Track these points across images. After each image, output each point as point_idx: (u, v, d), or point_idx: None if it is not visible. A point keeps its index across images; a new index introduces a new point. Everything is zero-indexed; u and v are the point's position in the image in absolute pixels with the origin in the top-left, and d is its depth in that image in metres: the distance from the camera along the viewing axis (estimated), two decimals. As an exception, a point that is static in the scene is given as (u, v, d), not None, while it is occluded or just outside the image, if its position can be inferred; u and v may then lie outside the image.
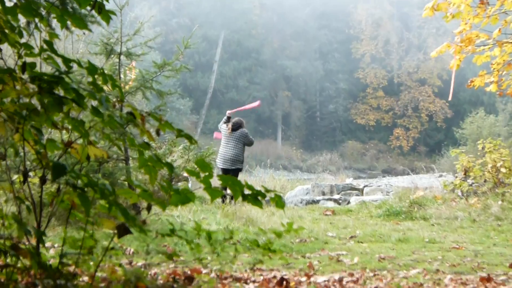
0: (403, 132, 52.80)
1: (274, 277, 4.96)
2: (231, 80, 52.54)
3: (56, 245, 5.86)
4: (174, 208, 8.83)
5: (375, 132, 54.39)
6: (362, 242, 7.63)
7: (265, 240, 3.70)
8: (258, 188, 2.80)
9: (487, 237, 8.12)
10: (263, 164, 25.78)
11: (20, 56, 2.68)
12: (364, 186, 17.48)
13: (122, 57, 7.66)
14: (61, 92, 2.56)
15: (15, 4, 2.71)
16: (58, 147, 2.79)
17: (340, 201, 14.49)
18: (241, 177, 12.36)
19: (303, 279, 4.91)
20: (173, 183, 8.74)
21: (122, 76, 7.69)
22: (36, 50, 2.69)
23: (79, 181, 2.63)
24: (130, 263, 5.16)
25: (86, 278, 3.33)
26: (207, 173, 2.72)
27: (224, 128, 12.39)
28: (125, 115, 2.79)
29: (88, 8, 2.81)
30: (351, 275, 5.20)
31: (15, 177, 2.99)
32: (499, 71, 9.20)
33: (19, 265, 2.74)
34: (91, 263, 3.13)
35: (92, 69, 2.67)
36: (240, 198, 2.78)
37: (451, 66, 9.27)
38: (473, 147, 24.92)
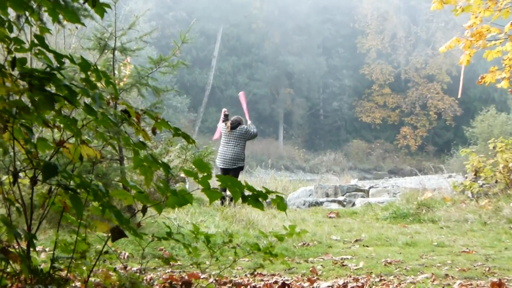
0: (410, 131, 52.78)
1: (276, 282, 4.97)
2: (230, 77, 52.53)
3: (47, 249, 5.87)
4: (171, 210, 8.83)
5: (381, 130, 54.37)
6: (367, 246, 7.63)
7: (266, 243, 3.70)
8: (258, 189, 2.80)
9: (499, 241, 8.12)
10: (264, 164, 25.78)
11: (10, 52, 2.68)
12: (370, 187, 17.47)
13: (116, 52, 7.67)
14: (52, 89, 2.56)
15: (5, -3, 2.71)
16: (50, 146, 2.79)
17: (345, 203, 14.49)
18: (241, 177, 12.33)
19: (306, 284, 4.92)
20: (170, 184, 8.75)
21: (116, 72, 7.70)
22: (27, 45, 2.69)
23: (72, 182, 2.63)
24: (125, 267, 5.16)
25: (78, 284, 3.33)
26: (205, 174, 2.72)
27: (223, 127, 12.37)
28: (120, 113, 2.79)
29: (81, 1, 2.81)
30: (356, 280, 5.20)
31: (4, 177, 2.99)
32: (511, 67, 9.19)
33: (8, 269, 2.74)
34: (84, 267, 3.13)
35: (85, 65, 2.67)
36: (240, 200, 2.78)
37: (461, 61, 9.26)
38: (484, 147, 24.92)
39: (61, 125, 2.74)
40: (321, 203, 14.29)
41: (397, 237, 8.25)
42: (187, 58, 40.42)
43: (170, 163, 9.32)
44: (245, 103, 13.24)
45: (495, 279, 5.14)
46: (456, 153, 33.63)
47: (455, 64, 47.64)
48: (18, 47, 2.70)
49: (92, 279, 3.39)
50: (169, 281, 4.06)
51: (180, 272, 5.43)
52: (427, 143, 52.73)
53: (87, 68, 2.68)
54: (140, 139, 2.91)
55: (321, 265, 6.07)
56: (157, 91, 7.83)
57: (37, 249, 5.77)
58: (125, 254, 5.97)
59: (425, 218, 10.42)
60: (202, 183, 2.71)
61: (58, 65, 2.62)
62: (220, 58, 52.12)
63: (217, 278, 4.71)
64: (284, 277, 5.30)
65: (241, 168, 12.14)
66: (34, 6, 2.76)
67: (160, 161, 2.79)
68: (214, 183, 2.80)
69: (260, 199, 2.79)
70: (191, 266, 5.56)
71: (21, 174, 2.98)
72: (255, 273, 5.31)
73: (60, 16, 2.75)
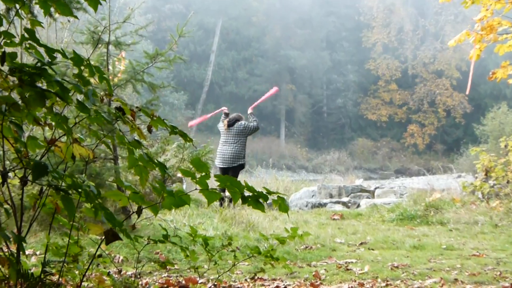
0: (418, 129, 52.78)
1: (277, 287, 4.97)
2: (230, 72, 52.52)
3: (38, 252, 5.87)
4: (167, 212, 8.83)
5: (388, 128, 54.37)
6: (373, 249, 7.63)
7: (267, 246, 3.71)
8: (259, 189, 2.80)
9: (510, 244, 8.11)
10: (264, 164, 25.82)
11: (-1, 46, 2.68)
12: (376, 188, 17.47)
13: (110, 46, 7.67)
14: (44, 85, 2.56)
15: (-7, -12, 2.71)
16: (41, 145, 2.80)
17: (349, 204, 14.49)
18: (241, 177, 12.30)
19: (309, 289, 4.92)
20: (166, 184, 8.75)
21: (110, 67, 7.70)
22: (17, 39, 2.69)
23: (63, 183, 2.63)
24: (119, 272, 5.16)
25: (71, 289, 3.33)
26: (203, 174, 2.72)
27: (220, 126, 12.33)
28: (114, 111, 2.79)
29: (73, -7, 2.81)
30: (361, 285, 5.21)
31: (-7, 178, 2.99)
32: (524, 62, 9.17)
33: (-3, 274, 2.74)
34: (77, 272, 3.14)
35: (77, 60, 2.67)
36: (239, 201, 2.78)
37: (471, 56, 9.25)
38: (495, 145, 24.91)
39: (53, 123, 2.74)
40: (325, 205, 14.29)
41: (404, 240, 8.25)
42: (184, 53, 40.48)
43: (166, 162, 9.32)
44: (268, 95, 13.43)
45: (506, 284, 5.14)
46: (465, 152, 33.63)
47: (465, 59, 47.61)
48: (8, 41, 2.70)
49: (85, 283, 3.39)
50: (165, 286, 4.07)
51: (177, 276, 5.43)
52: (435, 141, 52.72)
53: (79, 63, 2.68)
54: (135, 138, 2.92)
55: (325, 269, 6.07)
56: (153, 87, 7.84)
57: (27, 252, 5.78)
58: (119, 257, 5.97)
59: (434, 220, 10.41)
60: (200, 183, 2.72)
61: (50, 60, 2.62)
62: (219, 53, 52.12)
63: (215, 283, 4.72)
64: (285, 282, 5.30)
65: (242, 166, 12.04)
66: (25, -2, 2.76)
67: (156, 161, 2.79)
68: (213, 183, 2.80)
69: (261, 200, 2.80)
70: (188, 271, 5.57)
71: (10, 174, 2.98)
72: (256, 277, 5.31)
73: (52, 9, 2.75)
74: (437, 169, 27.75)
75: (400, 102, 54.24)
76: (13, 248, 2.76)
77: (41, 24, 2.97)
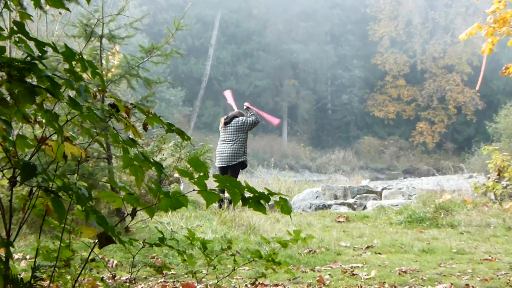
0: (427, 127, 52.77)
1: (279, 293, 4.97)
2: (229, 67, 52.53)
3: (28, 257, 5.87)
4: (163, 214, 8.84)
5: (395, 126, 54.39)
6: (380, 253, 7.63)
7: (268, 250, 3.70)
8: (260, 190, 2.80)
9: (524, 247, 8.12)
10: (266, 164, 25.83)
11: (-14, 39, 2.68)
12: (383, 189, 17.47)
13: (104, 40, 7.67)
14: (33, 80, 2.56)
15: (-19, -21, 2.71)
16: (30, 144, 2.79)
17: (355, 206, 14.49)
18: (242, 178, 12.27)
19: (312, 295, 4.92)
20: (162, 185, 8.75)
21: (104, 62, 7.70)
22: (6, 33, 2.68)
23: (55, 184, 2.63)
24: (113, 277, 5.17)
25: (62, 295, 3.33)
26: (202, 174, 2.72)
27: (221, 126, 12.29)
28: (107, 107, 2.79)
29: (65, -17, 2.80)
30: (368, 291, 5.20)
31: (-19, 178, 2.99)
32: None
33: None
34: (68, 277, 3.14)
35: (69, 54, 2.66)
36: (240, 203, 2.78)
37: (483, 50, 9.25)
38: (508, 144, 24.95)
39: (43, 120, 2.74)
40: (329, 206, 14.29)
41: (412, 243, 8.25)
42: (181, 47, 40.34)
43: (163, 162, 9.33)
44: (268, 118, 13.43)
45: (520, 290, 5.14)
46: (477, 151, 33.63)
47: (476, 53, 47.64)
48: (-4, 34, 2.70)
49: (77, 289, 3.39)
50: (162, 291, 4.07)
51: (174, 282, 5.43)
52: (445, 140, 52.73)
53: (71, 58, 2.67)
54: (130, 136, 2.91)
55: (329, 274, 6.08)
56: (148, 83, 7.84)
57: (17, 256, 5.78)
58: (113, 262, 5.98)
59: (444, 223, 10.41)
60: (198, 184, 2.71)
61: (40, 54, 2.62)
62: (218, 47, 52.13)
63: (214, 289, 4.72)
64: (288, 288, 5.30)
65: (242, 164, 11.94)
66: (13, -10, 2.75)
67: (152, 160, 2.79)
68: (212, 184, 2.80)
69: (262, 202, 2.79)
70: (186, 275, 5.57)
71: (-1, 174, 2.98)
72: (257, 283, 5.32)
73: (42, 1, 2.75)
74: (447, 169, 27.70)
75: (408, 99, 54.23)
76: (2, 252, 2.76)
77: (31, 16, 2.97)
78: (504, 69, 9.35)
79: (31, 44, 2.67)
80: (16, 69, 2.48)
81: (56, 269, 3.02)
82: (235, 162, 11.83)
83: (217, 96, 49.33)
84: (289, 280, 5.68)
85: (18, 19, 2.79)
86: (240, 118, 12.10)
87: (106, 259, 5.99)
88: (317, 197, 16.12)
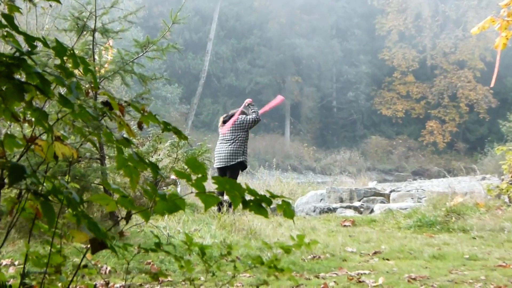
0: (438, 126, 52.77)
1: (281, 301, 4.97)
2: (229, 63, 52.57)
3: (16, 263, 5.87)
4: (160, 218, 8.84)
5: (404, 125, 54.39)
6: (388, 259, 7.63)
7: (270, 256, 3.70)
8: (262, 193, 2.80)
9: (540, 253, 8.11)
10: (268, 165, 25.77)
11: (-28, 34, 2.68)
12: (391, 191, 17.48)
13: (96, 34, 7.67)
14: (22, 77, 2.56)
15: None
16: (19, 144, 2.79)
17: (362, 209, 14.50)
18: (242, 179, 12.26)
19: (317, 303, 4.92)
20: (158, 187, 8.75)
21: (96, 57, 7.70)
22: (-7, 26, 2.68)
23: (45, 186, 2.62)
24: (107, 284, 5.17)
25: (53, 303, 3.33)
26: (200, 175, 2.71)
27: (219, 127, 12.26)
28: (100, 105, 2.79)
29: (55, -26, 2.80)
30: (375, 299, 5.20)
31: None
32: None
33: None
34: (59, 284, 3.13)
35: (60, 49, 2.66)
36: (240, 206, 2.77)
37: (496, 45, 9.24)
38: (523, 144, 24.91)
39: (32, 119, 2.73)
40: (334, 210, 14.30)
41: (422, 249, 8.25)
42: (178, 41, 40.45)
43: (158, 162, 9.33)
44: (272, 105, 13.31)
45: (536, 298, 5.14)
46: (490, 152, 33.65)
47: (489, 48, 47.62)
48: (-17, 28, 2.70)
49: (68, 297, 3.39)
50: (157, 299, 4.07)
51: (170, 289, 5.43)
52: (457, 139, 52.71)
53: (62, 53, 2.67)
54: (124, 135, 2.91)
55: (334, 282, 6.07)
56: (143, 80, 7.84)
57: (5, 262, 5.78)
58: (106, 268, 5.97)
59: (455, 227, 10.41)
60: (196, 186, 2.71)
61: (29, 49, 2.62)
62: (217, 41, 52.14)
63: (213, 297, 4.72)
64: (291, 295, 5.30)
65: (241, 164, 11.87)
66: (1, -19, 2.76)
67: (147, 161, 2.78)
68: (210, 186, 2.80)
69: (264, 205, 2.79)
70: (183, 283, 5.57)
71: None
72: (258, 290, 5.32)
73: (31, -8, 2.75)
74: (459, 170, 27.71)
75: (417, 96, 54.23)
76: (-11, 257, 2.76)
77: (20, 9, 2.97)
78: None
79: (20, 38, 2.67)
80: (4, 65, 2.48)
81: (46, 275, 3.01)
82: (234, 162, 11.76)
83: (215, 93, 49.38)
84: (293, 287, 5.68)
85: (6, 12, 2.78)
86: (240, 116, 12.07)
87: (99, 265, 5.98)
88: (321, 200, 16.12)
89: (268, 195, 2.78)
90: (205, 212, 10.02)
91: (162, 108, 41.65)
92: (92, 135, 2.94)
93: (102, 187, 7.02)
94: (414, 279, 6.21)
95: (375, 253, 8.08)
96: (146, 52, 7.87)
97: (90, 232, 2.59)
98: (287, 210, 2.82)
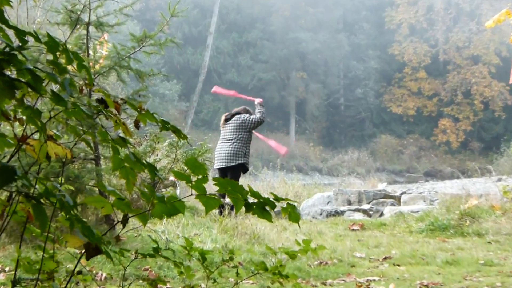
0: (451, 124, 52.72)
1: (286, 309, 4.96)
2: (230, 58, 52.56)
3: (7, 269, 5.87)
4: (158, 222, 8.84)
5: (415, 124, 54.36)
6: (399, 265, 7.63)
7: (274, 262, 3.70)
8: (265, 195, 2.80)
9: (560, 258, 8.10)
10: (271, 165, 25.76)
11: (-40, 27, 2.68)
12: (402, 193, 17.47)
13: (91, 28, 7.67)
14: (13, 73, 2.56)
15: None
16: (10, 143, 2.79)
17: (371, 212, 14.49)
18: (245, 181, 12.24)
19: (324, 312, 4.92)
20: (156, 189, 8.76)
21: (91, 52, 7.70)
22: (-19, 20, 2.68)
23: (37, 188, 2.62)
24: (102, 291, 5.17)
25: (45, 311, 3.34)
26: (200, 176, 2.71)
27: (222, 125, 12.18)
28: (95, 103, 2.79)
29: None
30: (385, 307, 5.20)
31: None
32: None
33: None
34: (52, 291, 3.13)
35: (52, 44, 2.66)
36: (242, 209, 2.77)
37: (513, 39, 9.25)
38: (541, 143, 24.89)
39: (24, 117, 2.74)
40: (342, 213, 14.29)
41: (435, 254, 8.25)
42: (177, 35, 40.46)
43: (156, 163, 9.33)
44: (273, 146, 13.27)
45: (555, 306, 5.13)
46: (506, 151, 33.66)
47: (505, 42, 47.54)
48: (-29, 22, 2.70)
49: (61, 305, 3.39)
50: (156, 308, 4.06)
51: (169, 297, 5.43)
52: (471, 138, 52.66)
53: (55, 48, 2.67)
54: (120, 135, 2.91)
55: (342, 289, 6.07)
56: (140, 76, 7.84)
57: (-6, 269, 5.78)
58: (102, 275, 5.98)
59: (469, 231, 10.40)
60: (196, 188, 2.71)
61: (20, 44, 2.62)
62: (218, 35, 52.13)
63: (214, 304, 4.72)
64: (296, 303, 5.30)
65: (243, 167, 11.78)
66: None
67: (144, 161, 2.78)
68: (211, 188, 2.79)
69: (267, 208, 2.79)
70: (182, 290, 5.57)
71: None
72: (261, 298, 5.32)
73: (22, -16, 2.75)
74: (473, 171, 27.67)
75: (429, 93, 54.18)
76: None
77: (10, 2, 2.97)
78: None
79: (10, 33, 2.67)
80: (-6, 60, 2.48)
81: (38, 282, 3.02)
82: (234, 164, 11.65)
83: (216, 90, 49.27)
84: (298, 295, 5.68)
85: (-5, 4, 2.78)
86: (243, 115, 12.03)
87: (94, 271, 5.99)
88: (328, 202, 16.13)
89: (272, 197, 2.78)
90: (206, 216, 10.02)
91: (160, 106, 41.68)
92: (86, 134, 2.94)
93: (97, 189, 7.02)
94: (427, 285, 6.21)
95: (385, 258, 8.08)
96: (143, 46, 7.87)
97: (84, 236, 2.59)
98: (292, 214, 2.82)
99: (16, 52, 2.53)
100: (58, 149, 2.81)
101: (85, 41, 7.66)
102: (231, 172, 11.60)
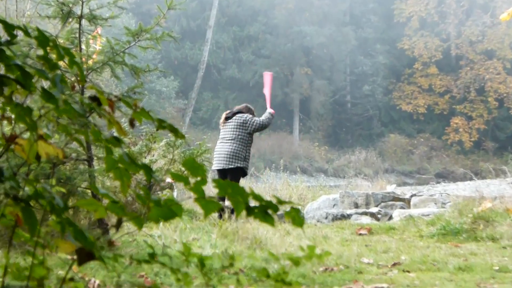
0: (463, 123, 52.71)
1: (290, 318, 4.96)
2: (231, 53, 52.59)
3: (-5, 276, 5.88)
4: (154, 226, 8.84)
5: (426, 122, 54.37)
6: (408, 271, 7.62)
7: (277, 268, 3.70)
8: (268, 198, 2.80)
9: None
10: (274, 166, 25.78)
11: None
12: (412, 196, 17.46)
13: (83, 21, 7.67)
14: (1, 69, 2.56)
15: None
16: (-3, 143, 2.80)
17: (379, 215, 14.50)
18: (246, 182, 12.22)
19: (329, 321, 4.92)
20: (152, 191, 8.76)
21: (83, 47, 7.70)
22: (-33, 13, 2.69)
23: (26, 190, 2.62)
24: (95, 299, 5.17)
25: (35, 320, 3.33)
26: (199, 178, 2.71)
27: (222, 123, 12.09)
28: (87, 100, 2.79)
29: (37, -45, 2.81)
30: (394, 315, 5.20)
31: None
32: None
33: None
34: (43, 299, 3.13)
35: (42, 39, 2.66)
36: (243, 213, 2.77)
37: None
38: (559, 143, 24.84)
39: (12, 116, 2.74)
40: (349, 216, 14.30)
41: (447, 259, 8.24)
42: (174, 29, 40.50)
43: (152, 164, 9.33)
44: (269, 86, 12.88)
45: None
46: (523, 151, 33.61)
47: (521, 36, 47.53)
48: (-43, 15, 2.70)
49: (52, 314, 3.39)
50: (152, 317, 4.07)
51: (166, 305, 5.43)
52: (485, 138, 52.65)
53: (45, 43, 2.67)
54: (114, 134, 2.91)
55: (349, 296, 6.07)
56: (136, 72, 7.84)
57: (-18, 275, 5.79)
58: (95, 282, 5.98)
59: (483, 235, 10.39)
60: (194, 190, 2.71)
61: (9, 39, 2.62)
62: (217, 29, 52.15)
63: (214, 313, 4.72)
64: (300, 312, 5.30)
65: (241, 170, 11.66)
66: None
67: (140, 162, 2.78)
68: (211, 190, 2.79)
69: (270, 212, 2.79)
70: (180, 298, 5.57)
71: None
72: (263, 306, 5.32)
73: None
74: (487, 172, 27.73)
75: (441, 90, 54.18)
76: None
77: (-2, -7, 2.98)
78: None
79: (-2, 26, 2.67)
80: (-19, 55, 2.49)
81: (28, 290, 3.02)
82: (233, 166, 11.58)
83: (216, 86, 49.37)
84: (302, 303, 5.68)
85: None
86: (245, 115, 11.94)
87: (87, 278, 5.99)
88: (334, 205, 16.13)
89: (274, 200, 2.78)
90: (205, 220, 10.02)
91: (156, 104, 41.71)
92: (78, 133, 2.94)
93: (89, 191, 7.03)
94: (438, 293, 6.21)
95: (394, 264, 8.08)
96: (138, 41, 7.87)
97: (76, 241, 2.59)
98: (296, 218, 2.82)
99: (4, 47, 2.53)
100: (48, 149, 2.81)
101: (77, 35, 7.65)
102: (231, 175, 11.53)
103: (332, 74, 54.81)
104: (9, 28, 2.63)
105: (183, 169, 2.78)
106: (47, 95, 2.60)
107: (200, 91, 49.69)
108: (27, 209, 2.55)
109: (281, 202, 2.78)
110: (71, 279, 3.23)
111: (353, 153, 47.00)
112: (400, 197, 16.75)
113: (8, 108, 2.73)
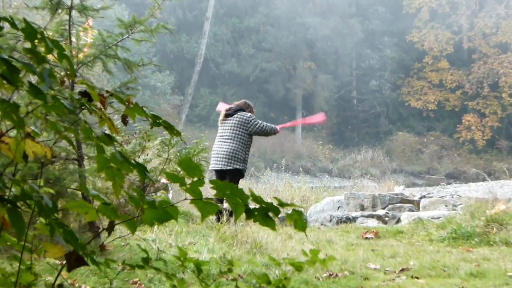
0: (476, 120, 52.71)
1: (292, 327, 4.97)
2: (230, 46, 52.56)
3: (-20, 282, 5.88)
4: (148, 229, 8.85)
5: (437, 119, 54.36)
6: (417, 277, 7.63)
7: (278, 274, 3.71)
8: (268, 200, 2.80)
9: None
10: (275, 166, 25.85)
11: None
12: (421, 197, 17.47)
13: (73, 13, 7.66)
14: (-14, 63, 2.56)
15: None
16: (-17, 141, 2.80)
17: (387, 218, 14.51)
18: (246, 183, 12.22)
19: (333, 330, 4.92)
20: (146, 193, 8.76)
21: (73, 40, 7.69)
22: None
23: (13, 191, 2.63)
24: (86, 307, 5.18)
25: (22, 329, 3.34)
26: (195, 179, 2.71)
27: (221, 120, 11.98)
28: (78, 96, 2.79)
29: None
30: (402, 324, 5.21)
31: None
32: None
33: None
34: (30, 307, 3.14)
35: (30, 31, 2.67)
36: (243, 215, 2.77)
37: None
38: None
39: (-2, 113, 2.74)
40: (354, 219, 14.31)
41: (458, 265, 8.25)
42: (170, 21, 40.51)
43: (146, 164, 9.34)
44: (312, 121, 12.97)
45: None
46: (539, 151, 33.63)
47: (537, 28, 47.53)
48: None
49: (40, 322, 3.40)
50: (146, 325, 4.07)
51: (161, 313, 5.44)
52: (499, 136, 52.66)
53: (33, 35, 2.68)
54: (106, 132, 2.91)
55: (354, 304, 6.08)
56: (129, 66, 7.83)
57: (-34, 281, 5.79)
58: (86, 288, 5.99)
59: (496, 239, 10.40)
60: (191, 191, 2.71)
61: (-6, 31, 2.62)
62: (216, 21, 52.14)
63: (211, 322, 4.72)
64: (303, 320, 5.31)
65: (239, 172, 11.52)
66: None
67: (133, 161, 2.79)
68: (208, 191, 2.80)
69: (271, 214, 2.79)
70: (176, 305, 5.57)
71: None
72: (264, 314, 5.32)
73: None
74: (501, 173, 27.80)
75: (452, 85, 54.16)
76: None
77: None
78: None
79: (-17, 18, 2.67)
80: (-35, 48, 2.49)
81: (14, 297, 3.02)
82: (231, 167, 11.47)
83: (214, 82, 49.33)
84: (304, 311, 5.69)
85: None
86: (247, 114, 11.85)
87: (77, 284, 5.99)
88: (339, 207, 16.14)
89: (276, 202, 2.78)
90: (202, 222, 10.03)
91: (151, 100, 41.71)
92: (68, 131, 2.94)
93: (80, 192, 7.03)
94: (449, 301, 6.22)
95: (402, 270, 8.09)
96: (132, 33, 7.86)
97: (67, 243, 2.58)
98: (299, 221, 2.82)
99: (-10, 40, 2.53)
100: (36, 147, 2.81)
101: (67, 27, 7.65)
102: (230, 176, 11.42)
103: (337, 69, 54.80)
104: (-5, 20, 2.63)
105: (179, 169, 2.78)
106: (35, 90, 2.60)
107: (197, 86, 49.67)
108: (14, 211, 2.55)
109: (282, 204, 2.78)
110: (61, 286, 3.24)
111: (359, 152, 47.00)
112: (409, 198, 16.75)
113: (-7, 105, 2.73)
